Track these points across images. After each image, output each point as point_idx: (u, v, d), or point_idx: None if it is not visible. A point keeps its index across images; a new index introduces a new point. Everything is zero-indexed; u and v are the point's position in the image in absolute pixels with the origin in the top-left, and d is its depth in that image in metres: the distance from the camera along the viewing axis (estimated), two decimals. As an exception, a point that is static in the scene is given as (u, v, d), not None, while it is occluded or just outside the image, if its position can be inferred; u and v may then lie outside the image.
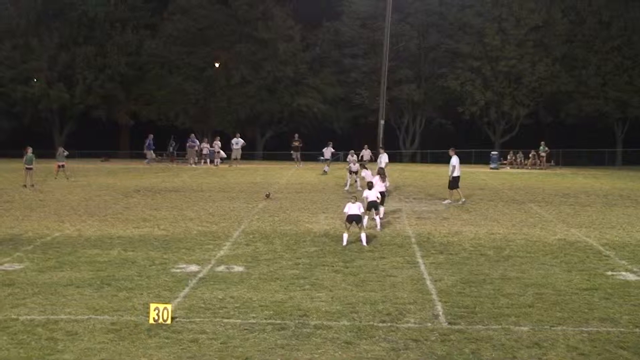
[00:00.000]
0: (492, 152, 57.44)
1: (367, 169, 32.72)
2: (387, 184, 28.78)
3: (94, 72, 71.06)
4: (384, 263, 19.77)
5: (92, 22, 72.19)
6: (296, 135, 56.34)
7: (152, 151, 56.73)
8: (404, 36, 68.58)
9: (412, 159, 69.11)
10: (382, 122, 61.23)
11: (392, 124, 70.44)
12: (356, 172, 36.37)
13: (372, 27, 69.37)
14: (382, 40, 65.24)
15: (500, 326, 14.32)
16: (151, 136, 57.10)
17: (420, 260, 20.16)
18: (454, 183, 32.66)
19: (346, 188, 36.17)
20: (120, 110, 73.04)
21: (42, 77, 70.16)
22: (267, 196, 33.25)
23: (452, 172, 32.51)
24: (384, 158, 35.88)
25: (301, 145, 55.15)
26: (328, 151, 49.48)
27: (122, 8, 72.69)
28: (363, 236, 22.14)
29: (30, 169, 38.05)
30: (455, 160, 32.68)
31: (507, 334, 13.89)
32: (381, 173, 28.03)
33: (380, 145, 41.19)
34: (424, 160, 67.52)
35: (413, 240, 23.21)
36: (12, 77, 69.83)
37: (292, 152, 55.21)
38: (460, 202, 32.04)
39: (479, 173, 48.73)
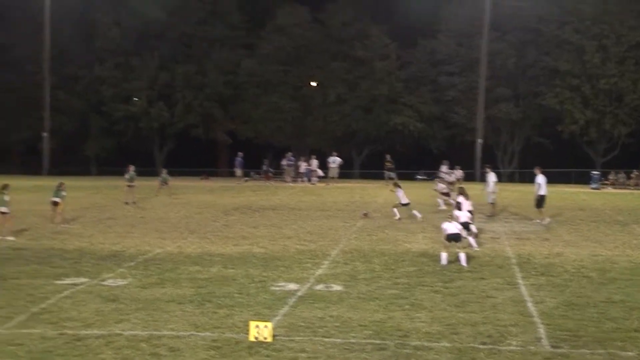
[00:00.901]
0: (593, 172, 56.21)
1: (400, 187, 33.27)
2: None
3: (192, 91, 72.24)
4: (483, 284, 19.52)
5: (191, 41, 73.50)
6: (388, 156, 56.31)
7: (241, 169, 57.41)
8: (501, 54, 67.84)
9: (511, 179, 68.12)
10: (479, 141, 60.71)
11: (489, 143, 69.67)
12: (446, 194, 36.61)
13: (469, 45, 68.88)
14: (478, 58, 64.90)
15: (605, 350, 13.97)
16: (241, 154, 57.88)
17: (520, 282, 19.84)
18: (539, 202, 32.20)
19: (441, 207, 36.02)
20: (218, 129, 74.06)
21: (143, 95, 71.67)
22: (365, 215, 33.23)
23: (538, 190, 32.10)
24: (491, 178, 35.47)
25: (393, 165, 55.11)
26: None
27: (221, 27, 73.76)
28: (462, 256, 21.93)
29: (132, 186, 38.89)
30: (540, 179, 32.27)
31: (612, 359, 13.54)
32: (463, 192, 27.73)
33: (488, 165, 40.78)
34: (523, 179, 66.49)
35: (513, 261, 22.86)
36: (114, 96, 71.54)
37: (385, 172, 55.15)
38: (544, 222, 31.46)
39: (580, 193, 47.77)
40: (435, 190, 38.37)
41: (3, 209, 26.94)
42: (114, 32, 71.77)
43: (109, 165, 66.88)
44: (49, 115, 67.84)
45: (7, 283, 19.17)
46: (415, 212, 32.64)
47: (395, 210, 32.75)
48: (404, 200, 32.74)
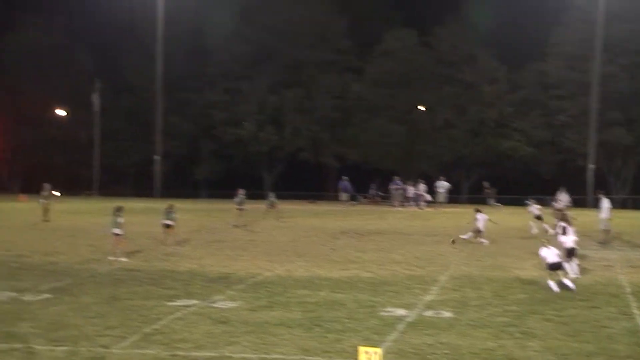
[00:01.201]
0: None
1: (481, 212, 33.09)
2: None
3: (301, 115, 72.89)
4: (597, 313, 18.99)
5: (299, 66, 74.20)
6: (486, 183, 56.12)
7: (347, 194, 57.57)
8: (613, 77, 66.27)
9: (623, 205, 66.33)
10: (591, 166, 59.32)
11: (602, 168, 68.03)
12: (539, 217, 36.15)
13: (580, 69, 67.52)
14: (590, 82, 63.48)
15: None
16: (346, 178, 58.09)
17: (636, 312, 19.23)
18: None
19: (533, 230, 35.63)
20: (326, 153, 74.44)
21: (252, 119, 72.62)
22: (453, 242, 32.76)
23: None
24: (605, 204, 34.58)
25: (493, 191, 54.90)
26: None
27: (329, 52, 74.26)
28: (567, 282, 21.51)
29: (242, 209, 39.37)
30: None
31: None
32: (565, 218, 27.02)
33: (601, 191, 39.86)
34: (636, 206, 64.67)
35: (627, 290, 22.18)
36: (224, 120, 72.74)
37: (486, 198, 54.69)
38: None
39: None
40: (530, 212, 37.81)
41: (117, 231, 27.62)
42: (225, 58, 73.05)
43: (219, 188, 67.90)
44: (161, 139, 69.40)
45: (121, 303, 19.59)
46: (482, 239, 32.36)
47: (471, 237, 32.62)
48: (480, 226, 32.66)
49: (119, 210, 28.07)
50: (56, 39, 76.65)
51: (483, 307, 19.43)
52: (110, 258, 26.95)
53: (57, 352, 14.93)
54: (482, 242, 32.15)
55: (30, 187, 63.04)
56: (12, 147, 76.88)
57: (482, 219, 32.70)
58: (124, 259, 26.79)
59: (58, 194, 62.01)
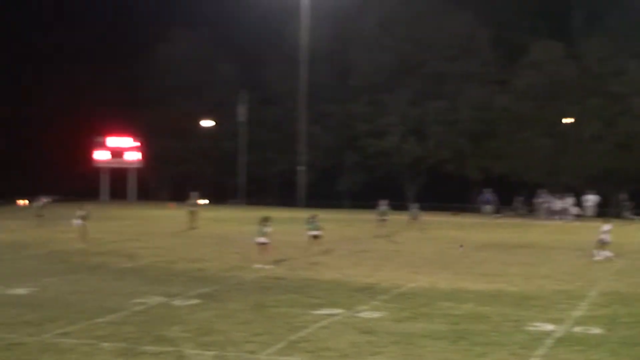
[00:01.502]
0: None
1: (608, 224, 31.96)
2: None
3: (444, 126, 72.35)
4: None
5: (443, 77, 73.65)
6: (623, 196, 54.62)
7: (490, 206, 56.75)
8: None
9: None
10: None
11: None
12: None
13: None
14: None
15: None
16: (488, 190, 57.27)
17: None
18: None
19: None
20: (469, 165, 73.61)
21: (395, 131, 72.53)
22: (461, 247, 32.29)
23: None
24: None
25: (630, 204, 53.54)
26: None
27: (473, 63, 73.44)
28: None
29: (385, 220, 39.34)
30: None
31: None
32: None
33: None
34: None
35: None
36: (367, 131, 72.91)
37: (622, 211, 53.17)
38: None
39: None
40: None
41: (262, 240, 28.07)
42: (368, 69, 73.27)
43: (361, 199, 68.09)
44: (304, 149, 70.19)
45: (267, 311, 19.86)
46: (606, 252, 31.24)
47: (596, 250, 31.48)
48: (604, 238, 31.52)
49: (265, 220, 28.52)
50: (203, 51, 78.68)
51: (635, 325, 18.75)
52: (257, 266, 27.39)
53: (205, 357, 15.24)
54: (605, 256, 31.09)
55: (179, 195, 64.91)
56: (162, 156, 79.29)
57: (607, 229, 31.58)
58: (269, 267, 27.19)
59: (205, 201, 63.67)
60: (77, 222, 34.92)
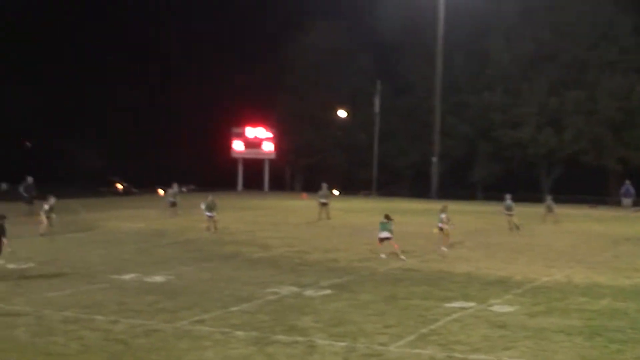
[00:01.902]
0: None
1: None
2: None
3: (582, 116, 70.44)
4: None
5: (582, 66, 71.72)
6: None
7: (629, 198, 55.00)
8: None
9: None
10: None
11: None
12: None
13: None
14: None
15: None
16: (628, 182, 55.49)
17: None
18: None
19: None
20: (608, 156, 71.46)
21: (531, 121, 71.12)
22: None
23: None
24: None
25: None
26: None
27: (613, 51, 71.21)
28: None
29: (511, 214, 38.53)
30: None
31: None
32: None
33: None
34: None
35: None
36: (502, 122, 71.75)
37: None
38: None
39: None
40: None
41: (385, 235, 27.92)
42: (505, 58, 72.06)
43: (495, 190, 67.15)
44: (439, 140, 69.67)
45: (399, 303, 19.85)
46: None
47: None
48: None
49: (388, 217, 28.44)
50: (339, 42, 79.02)
51: None
52: (382, 256, 27.46)
53: (336, 347, 15.35)
54: None
55: (312, 185, 65.47)
56: (296, 147, 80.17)
57: None
58: (403, 257, 27.19)
59: (337, 192, 64.02)
60: (207, 213, 35.42)
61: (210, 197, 35.92)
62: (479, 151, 75.06)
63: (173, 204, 42.21)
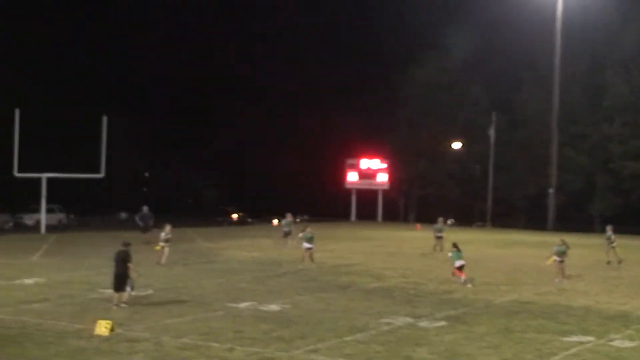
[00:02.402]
0: None
1: None
2: None
3: None
4: None
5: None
6: None
7: None
8: None
9: None
10: None
11: None
12: None
13: None
14: None
15: None
16: None
17: None
18: None
19: None
20: None
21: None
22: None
23: None
24: None
25: None
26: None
27: None
28: None
29: (613, 246, 37.47)
30: None
31: None
32: None
33: None
34: None
35: None
36: (621, 154, 70.04)
37: None
38: None
39: None
40: None
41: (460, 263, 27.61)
42: (623, 89, 70.48)
43: (615, 223, 65.44)
44: (555, 172, 68.51)
45: (514, 335, 19.54)
46: None
47: None
48: None
49: (455, 246, 28.76)
50: (453, 74, 78.84)
51: None
52: (469, 285, 27.58)
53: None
54: None
55: (425, 216, 65.16)
56: (410, 178, 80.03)
57: None
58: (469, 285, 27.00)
59: (452, 221, 63.49)
60: (305, 245, 34.21)
61: (308, 229, 35.31)
62: (597, 183, 73.38)
63: (287, 234, 42.39)
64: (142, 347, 17.37)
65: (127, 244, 23.13)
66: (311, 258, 33.96)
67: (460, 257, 28.71)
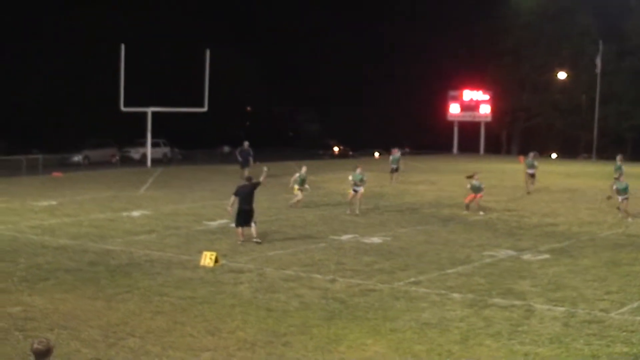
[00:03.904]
0: None
1: None
2: None
3: None
4: None
5: None
6: None
7: None
8: None
9: None
10: None
11: None
12: None
13: None
14: None
15: None
16: None
17: None
18: None
19: None
20: None
21: None
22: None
23: None
24: None
25: None
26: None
27: None
28: None
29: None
30: None
31: None
32: None
33: None
34: None
35: None
36: None
37: None
38: None
39: None
40: None
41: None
42: None
43: None
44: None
45: (621, 269, 19.21)
46: None
47: None
48: None
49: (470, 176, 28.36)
50: (559, 2, 76.69)
51: None
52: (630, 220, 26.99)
53: (555, 312, 15.05)
54: None
55: (528, 148, 64.04)
56: (513, 110, 78.72)
57: None
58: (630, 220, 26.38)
59: (554, 156, 62.29)
60: (356, 188, 28.89)
61: (359, 169, 29.81)
62: None
63: (394, 170, 41.26)
64: (246, 278, 17.68)
65: (249, 178, 23.08)
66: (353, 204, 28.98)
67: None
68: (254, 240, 21.85)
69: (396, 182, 40.09)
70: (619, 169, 34.00)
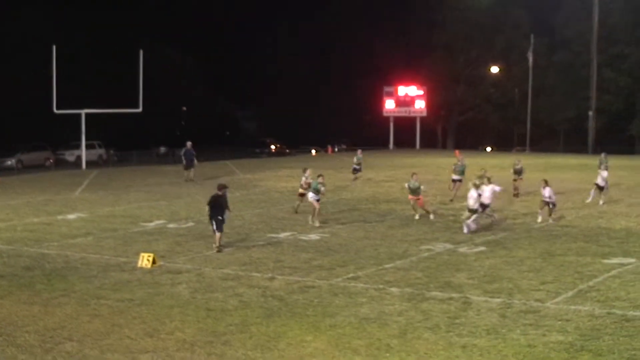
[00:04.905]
0: None
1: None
2: None
3: None
4: None
5: None
6: None
7: None
8: None
9: None
10: None
11: None
12: None
13: None
14: None
15: None
16: None
17: None
18: None
19: None
20: None
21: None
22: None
23: None
24: None
25: None
26: None
27: None
28: None
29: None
30: None
31: None
32: None
33: None
34: None
35: None
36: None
37: None
38: None
39: None
40: None
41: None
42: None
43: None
44: (595, 94, 67.62)
45: (555, 259, 19.51)
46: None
47: None
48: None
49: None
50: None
51: None
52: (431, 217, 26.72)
53: (492, 304, 15.25)
54: None
55: (464, 143, 64.87)
56: (447, 104, 79.44)
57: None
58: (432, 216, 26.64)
59: (488, 149, 63.05)
60: (311, 195, 26.52)
61: (320, 178, 26.95)
62: (637, 104, 72.42)
63: (356, 171, 40.25)
64: (184, 279, 17.59)
65: (223, 187, 21.99)
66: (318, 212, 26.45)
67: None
68: (215, 246, 21.13)
69: (358, 181, 39.15)
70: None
